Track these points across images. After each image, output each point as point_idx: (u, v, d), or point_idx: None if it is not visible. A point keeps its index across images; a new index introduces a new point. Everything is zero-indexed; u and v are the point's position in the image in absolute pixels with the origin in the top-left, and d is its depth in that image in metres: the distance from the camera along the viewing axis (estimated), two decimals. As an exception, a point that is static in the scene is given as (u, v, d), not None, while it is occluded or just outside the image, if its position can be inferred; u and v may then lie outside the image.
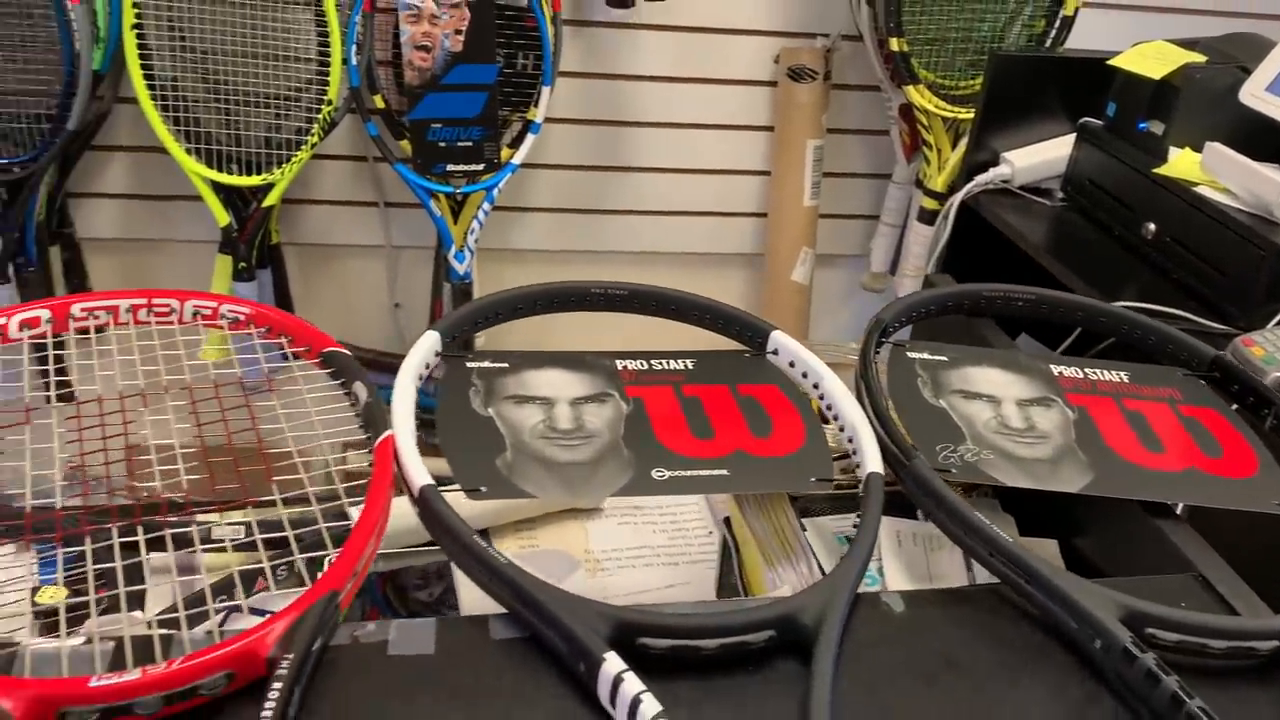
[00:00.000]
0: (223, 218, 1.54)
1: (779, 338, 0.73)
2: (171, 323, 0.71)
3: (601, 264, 1.83)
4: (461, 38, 1.50)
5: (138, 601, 0.60)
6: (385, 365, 1.14)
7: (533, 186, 1.78)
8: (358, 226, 1.79)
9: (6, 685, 0.43)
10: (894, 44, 1.56)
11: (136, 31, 1.44)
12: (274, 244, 1.67)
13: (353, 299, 1.86)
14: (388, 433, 0.60)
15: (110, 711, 0.44)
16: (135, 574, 0.54)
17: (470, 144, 1.57)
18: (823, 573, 0.67)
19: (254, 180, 1.53)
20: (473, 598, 0.76)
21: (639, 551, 0.87)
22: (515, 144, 1.61)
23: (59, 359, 0.68)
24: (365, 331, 1.86)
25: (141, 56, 1.45)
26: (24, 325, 0.68)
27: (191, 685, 0.45)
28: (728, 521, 0.74)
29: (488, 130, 1.57)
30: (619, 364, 0.72)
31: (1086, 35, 1.60)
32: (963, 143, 1.62)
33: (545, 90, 1.56)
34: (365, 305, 1.87)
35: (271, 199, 1.54)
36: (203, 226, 1.68)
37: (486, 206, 1.61)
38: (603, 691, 0.48)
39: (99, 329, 0.70)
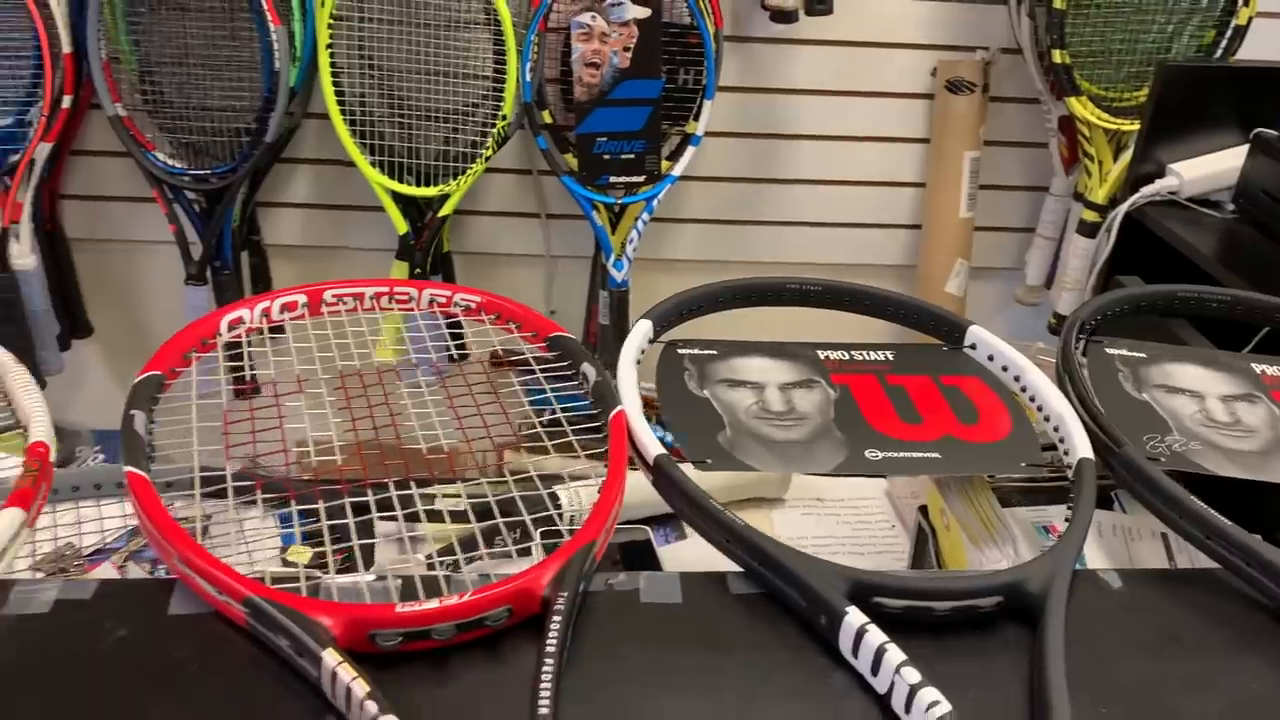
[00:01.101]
0: (401, 226, 1.64)
1: (978, 332, 0.75)
2: (411, 309, 0.78)
3: (753, 274, 1.87)
4: (629, 54, 1.57)
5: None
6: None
7: (686, 198, 1.83)
8: (519, 236, 1.87)
9: (327, 607, 0.49)
10: (1056, 56, 1.56)
11: (330, 51, 1.55)
12: (445, 252, 1.77)
13: (511, 306, 1.94)
14: (619, 408, 0.65)
15: (412, 635, 0.50)
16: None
17: (633, 156, 1.63)
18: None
19: (432, 191, 1.62)
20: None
21: (824, 540, 0.90)
22: (673, 156, 1.66)
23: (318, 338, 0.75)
24: (522, 337, 1.93)
25: (333, 74, 1.56)
26: (285, 308, 0.76)
27: (479, 617, 0.50)
28: (923, 510, 0.76)
29: (650, 143, 1.63)
30: (821, 354, 0.75)
31: (1260, 45, 1.57)
32: (1125, 155, 1.61)
33: (707, 104, 1.61)
34: (523, 312, 1.95)
35: (447, 209, 1.63)
36: (377, 235, 1.78)
37: (645, 217, 1.66)
38: (844, 642, 0.51)
39: (349, 312, 0.77)
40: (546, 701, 0.45)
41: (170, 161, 1.61)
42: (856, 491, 0.94)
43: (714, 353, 0.74)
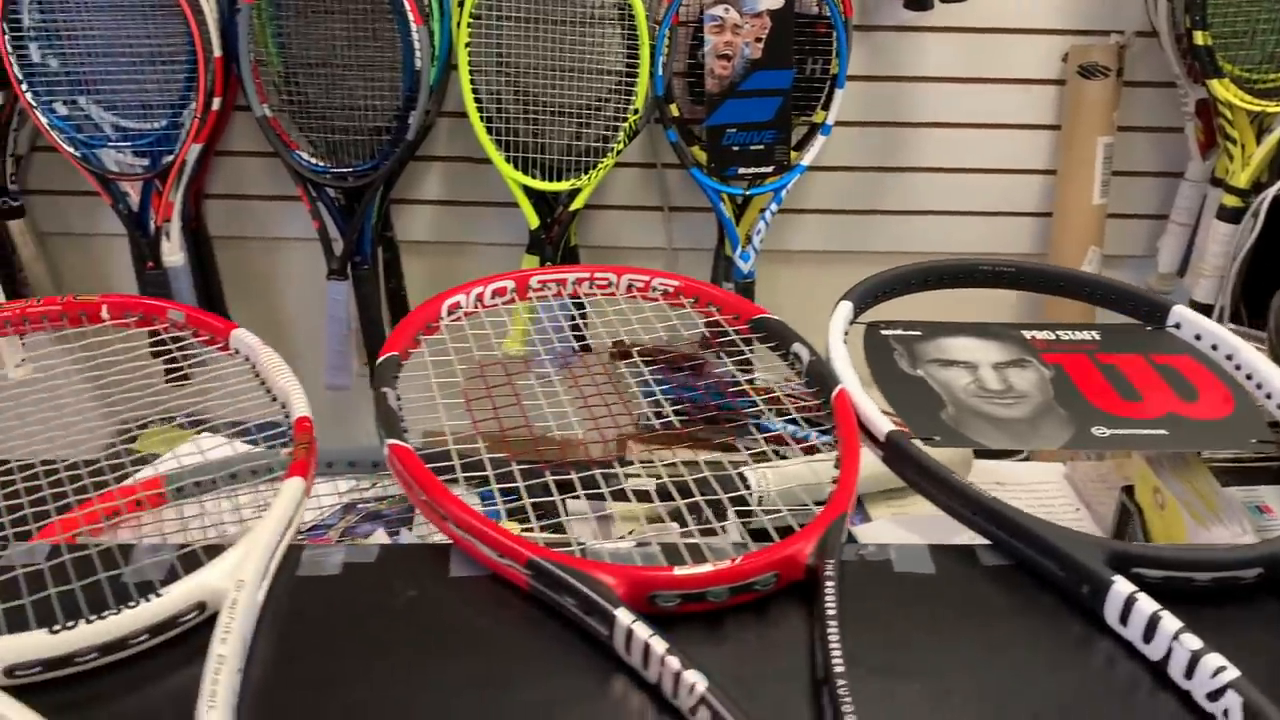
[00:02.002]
0: (534, 221, 1.67)
1: (1182, 312, 0.75)
2: (612, 294, 0.81)
3: (876, 265, 1.86)
4: (761, 45, 1.58)
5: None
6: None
7: (810, 188, 1.84)
8: (641, 229, 1.89)
9: (610, 568, 0.52)
10: (1199, 38, 1.53)
11: (468, 49, 1.59)
12: (572, 245, 1.80)
13: (633, 298, 1.96)
14: (840, 387, 0.67)
15: (689, 597, 0.52)
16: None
17: (762, 147, 1.64)
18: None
19: (564, 186, 1.65)
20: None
21: (1008, 522, 0.90)
22: (801, 146, 1.67)
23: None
24: (644, 329, 1.96)
25: (470, 72, 1.59)
26: (495, 294, 0.79)
27: (749, 581, 0.52)
28: (1128, 490, 0.76)
29: (779, 133, 1.63)
30: (1026, 334, 0.76)
31: None
32: (1268, 138, 1.57)
33: (838, 93, 1.61)
34: (644, 304, 1.97)
35: (578, 203, 1.66)
36: (504, 230, 1.82)
37: (774, 207, 1.67)
38: (1110, 611, 0.52)
39: (555, 296, 0.80)
40: (839, 661, 0.47)
41: (313, 160, 1.67)
42: (1035, 475, 0.94)
43: (919, 333, 0.75)
